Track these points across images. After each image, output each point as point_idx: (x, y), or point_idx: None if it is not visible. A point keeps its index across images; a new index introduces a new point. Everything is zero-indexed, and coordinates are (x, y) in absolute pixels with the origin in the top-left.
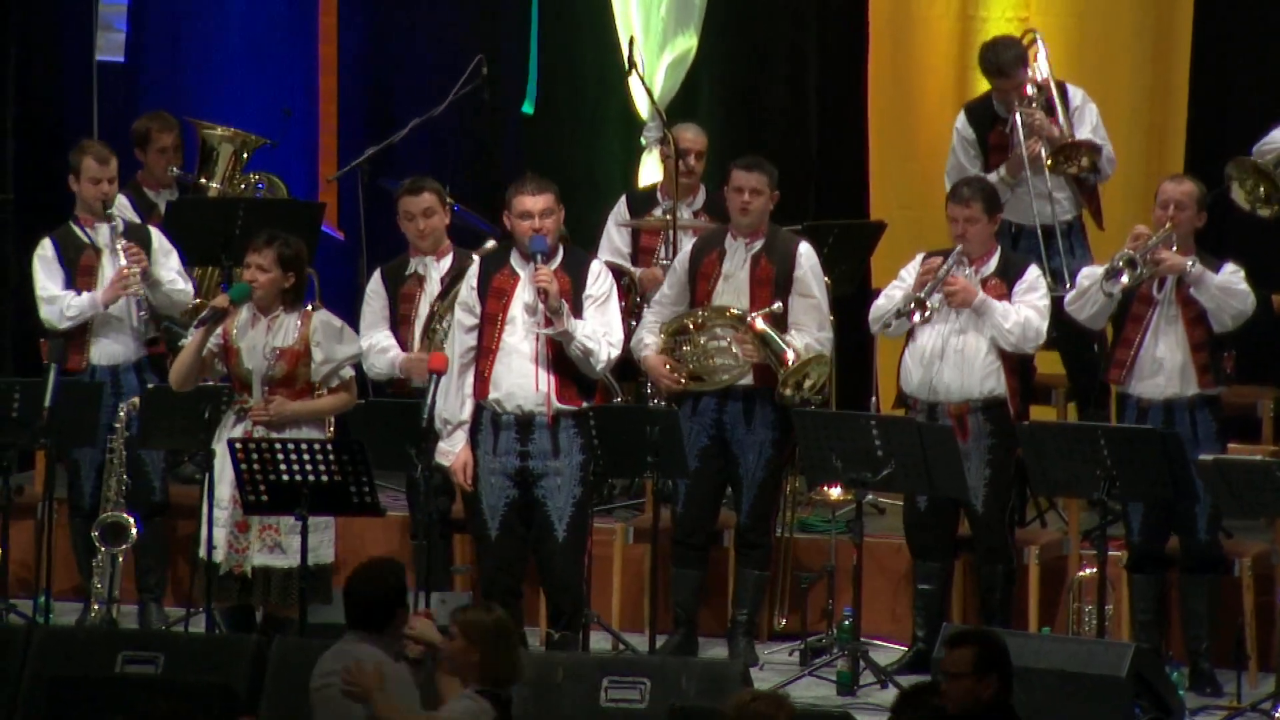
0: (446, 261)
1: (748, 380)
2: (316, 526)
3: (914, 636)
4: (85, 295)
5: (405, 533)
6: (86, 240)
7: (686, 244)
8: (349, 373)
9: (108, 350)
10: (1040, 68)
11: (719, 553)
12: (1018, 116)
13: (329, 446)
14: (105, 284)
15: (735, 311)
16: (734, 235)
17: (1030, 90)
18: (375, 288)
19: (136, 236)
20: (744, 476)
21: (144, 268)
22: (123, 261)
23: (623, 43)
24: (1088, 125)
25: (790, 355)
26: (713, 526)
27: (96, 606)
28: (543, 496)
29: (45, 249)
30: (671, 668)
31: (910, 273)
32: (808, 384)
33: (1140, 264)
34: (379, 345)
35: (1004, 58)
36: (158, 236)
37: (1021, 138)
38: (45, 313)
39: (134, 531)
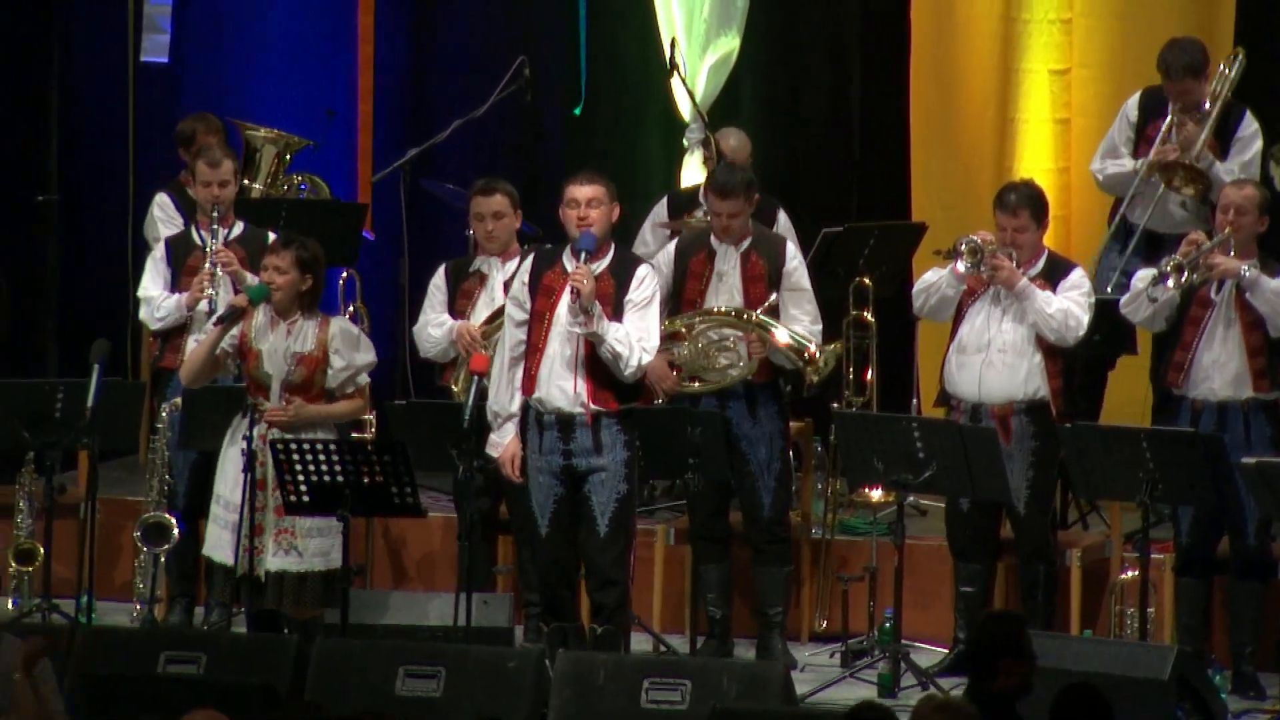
0: (512, 265)
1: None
2: (325, 531)
3: (955, 639)
4: (174, 297)
5: (446, 534)
6: (199, 242)
7: (670, 244)
8: (364, 380)
9: None
10: (1223, 83)
11: (740, 551)
12: (1171, 118)
13: (370, 447)
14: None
15: (725, 309)
16: (719, 238)
17: (1201, 99)
18: (439, 282)
19: (254, 241)
20: (758, 472)
21: (231, 271)
22: (207, 265)
23: (665, 44)
24: (1242, 158)
25: (813, 348)
26: (727, 520)
27: (139, 607)
28: (588, 491)
29: (158, 249)
30: (712, 669)
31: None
32: (821, 366)
33: (1189, 269)
34: (436, 320)
35: (1171, 60)
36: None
37: (1160, 140)
38: (141, 313)
39: (176, 532)
